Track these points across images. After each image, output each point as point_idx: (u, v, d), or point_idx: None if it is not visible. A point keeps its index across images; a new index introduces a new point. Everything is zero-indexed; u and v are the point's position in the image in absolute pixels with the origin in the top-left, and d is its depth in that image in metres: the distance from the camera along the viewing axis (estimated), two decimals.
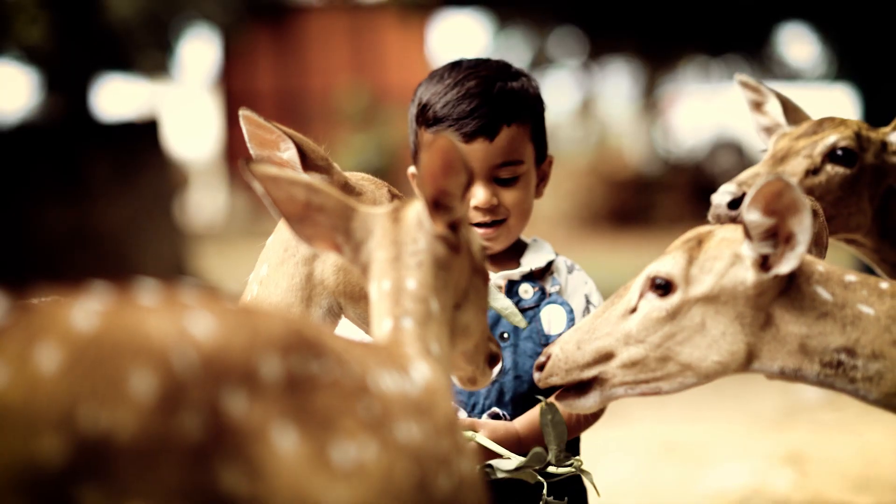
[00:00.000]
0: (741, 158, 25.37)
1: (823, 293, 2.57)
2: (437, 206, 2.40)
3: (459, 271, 2.43)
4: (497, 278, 3.30)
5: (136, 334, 1.69)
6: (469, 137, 3.23)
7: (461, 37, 31.07)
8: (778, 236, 2.53)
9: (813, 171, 3.41)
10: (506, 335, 3.25)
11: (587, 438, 3.48)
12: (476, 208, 3.25)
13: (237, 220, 25.14)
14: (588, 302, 3.32)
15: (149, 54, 26.37)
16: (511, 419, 3.18)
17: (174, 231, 13.43)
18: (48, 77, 23.27)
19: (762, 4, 22.29)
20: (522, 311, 3.25)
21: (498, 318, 3.23)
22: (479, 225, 3.27)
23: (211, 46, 29.37)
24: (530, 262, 3.33)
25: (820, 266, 2.60)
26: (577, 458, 3.00)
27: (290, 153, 2.96)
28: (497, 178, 3.26)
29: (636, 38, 22.57)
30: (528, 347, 3.23)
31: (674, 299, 2.59)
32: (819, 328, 2.55)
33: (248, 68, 29.28)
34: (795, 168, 3.38)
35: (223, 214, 26.58)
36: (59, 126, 14.76)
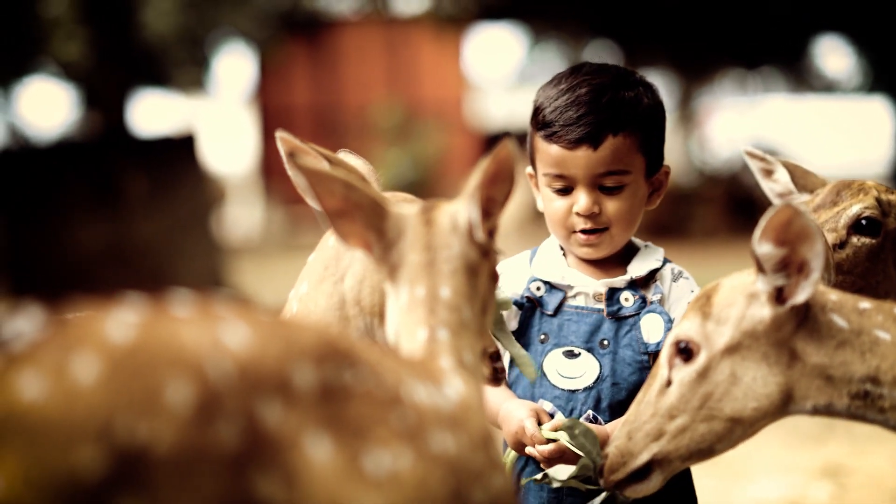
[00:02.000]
0: None
1: (840, 321, 2.54)
2: (483, 212, 2.41)
3: (484, 275, 2.45)
4: (599, 286, 3.30)
5: (171, 345, 1.70)
6: (573, 144, 3.23)
7: (496, 50, 31.12)
8: (790, 266, 2.51)
9: (839, 245, 3.35)
10: (605, 342, 3.25)
11: None
12: (577, 214, 3.25)
13: (273, 235, 25.24)
14: None
15: (185, 70, 26.52)
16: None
17: (211, 246, 13.48)
18: (86, 93, 23.42)
19: (798, 17, 22.26)
20: (623, 318, 3.26)
21: (598, 326, 3.26)
22: (582, 232, 3.28)
23: (246, 62, 29.53)
24: (635, 269, 3.32)
25: (833, 294, 2.58)
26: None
27: None
28: (602, 187, 3.26)
29: (671, 51, 22.55)
30: (628, 355, 3.23)
31: (700, 360, 2.57)
32: (840, 357, 2.52)
33: (283, 83, 29.41)
34: None
35: (259, 229, 26.68)
36: (96, 142, 14.87)
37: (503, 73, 31.43)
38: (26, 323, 1.68)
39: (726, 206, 22.73)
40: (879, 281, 3.38)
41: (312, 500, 1.75)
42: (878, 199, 3.40)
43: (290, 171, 2.65)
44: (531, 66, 28.68)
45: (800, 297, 2.50)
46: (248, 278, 15.41)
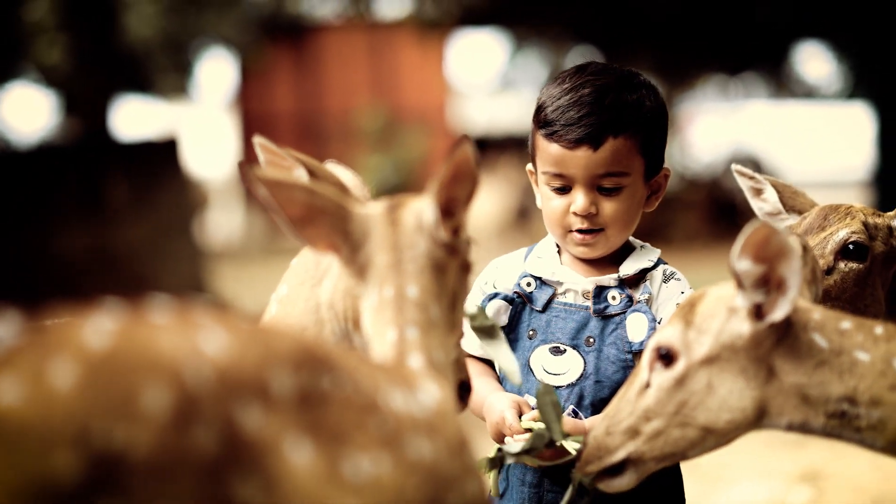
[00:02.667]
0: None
1: (820, 340, 2.54)
2: (445, 211, 2.43)
3: (452, 271, 2.46)
4: (587, 283, 3.32)
5: (148, 351, 1.71)
6: (573, 144, 3.24)
7: (479, 56, 31.12)
8: (770, 283, 2.53)
9: (827, 271, 3.35)
10: (591, 340, 3.27)
11: None
12: (575, 214, 3.27)
13: (255, 239, 25.21)
14: None
15: (167, 75, 26.48)
16: None
17: (193, 250, 13.46)
18: (67, 99, 23.37)
19: (780, 23, 22.29)
20: (609, 317, 3.29)
21: (585, 323, 3.28)
22: (578, 231, 3.30)
23: (228, 67, 29.48)
24: (625, 268, 3.34)
25: (816, 313, 2.58)
26: (578, 438, 3.04)
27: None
28: (600, 187, 3.27)
29: (653, 57, 22.58)
30: (612, 354, 3.24)
31: (678, 367, 2.58)
32: (818, 377, 2.52)
33: (265, 88, 29.37)
34: None
35: (241, 233, 26.64)
36: (78, 147, 14.81)
37: (486, 78, 31.44)
38: (4, 329, 1.68)
39: (708, 211, 22.76)
40: (868, 305, 3.37)
41: None
42: (864, 223, 3.40)
43: (251, 184, 2.66)
44: (513, 71, 28.69)
45: (778, 314, 2.51)
46: (229, 283, 15.39)
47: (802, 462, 7.17)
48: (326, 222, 2.42)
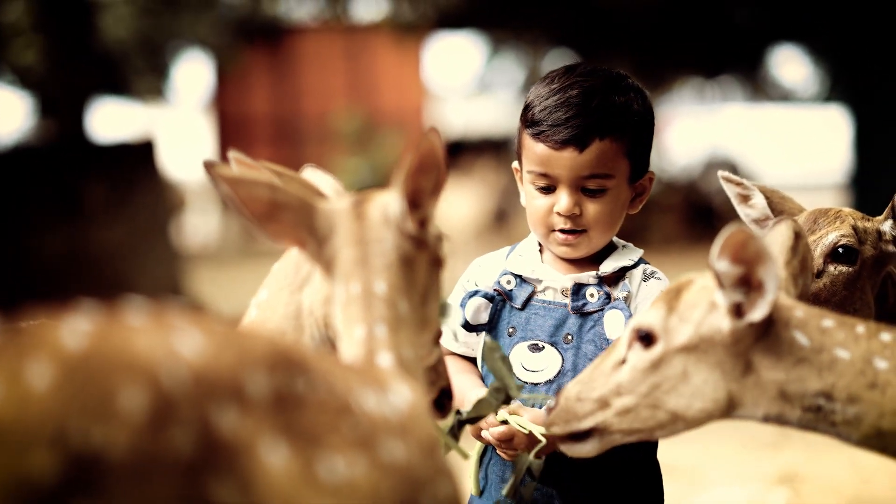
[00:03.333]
0: None
1: (801, 338, 2.55)
2: (412, 203, 2.43)
3: (421, 266, 2.45)
4: (565, 280, 3.33)
5: (124, 352, 1.71)
6: (559, 145, 3.25)
7: (455, 59, 31.15)
8: (750, 283, 2.54)
9: (816, 275, 3.35)
10: (570, 337, 3.28)
11: None
12: (558, 214, 3.28)
13: (231, 242, 25.15)
14: None
15: (143, 77, 26.41)
16: None
17: (170, 252, 13.44)
18: (42, 100, 23.29)
19: (756, 26, 22.37)
20: (587, 314, 3.30)
21: (564, 320, 3.30)
22: (561, 231, 3.31)
23: (205, 69, 29.43)
24: (604, 267, 3.36)
25: (798, 311, 2.59)
26: (545, 395, 3.07)
27: None
28: (584, 189, 3.28)
29: (630, 60, 22.63)
30: (590, 350, 3.26)
31: (656, 350, 2.59)
32: (796, 373, 2.54)
33: (241, 90, 29.32)
34: None
35: (217, 236, 26.59)
36: (54, 149, 14.77)
37: (462, 81, 31.47)
38: None
39: (684, 214, 22.82)
40: (857, 309, 3.37)
41: None
42: (854, 227, 3.41)
43: (212, 181, 2.65)
44: (490, 74, 28.73)
45: (756, 314, 2.52)
46: (206, 285, 15.36)
47: (780, 464, 7.19)
48: (290, 218, 2.41)
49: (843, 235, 3.38)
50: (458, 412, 3.03)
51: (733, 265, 2.51)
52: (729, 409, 2.57)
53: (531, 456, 3.05)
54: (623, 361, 2.64)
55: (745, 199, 3.59)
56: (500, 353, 2.97)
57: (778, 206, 3.56)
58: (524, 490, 3.08)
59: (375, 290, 2.37)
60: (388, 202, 2.45)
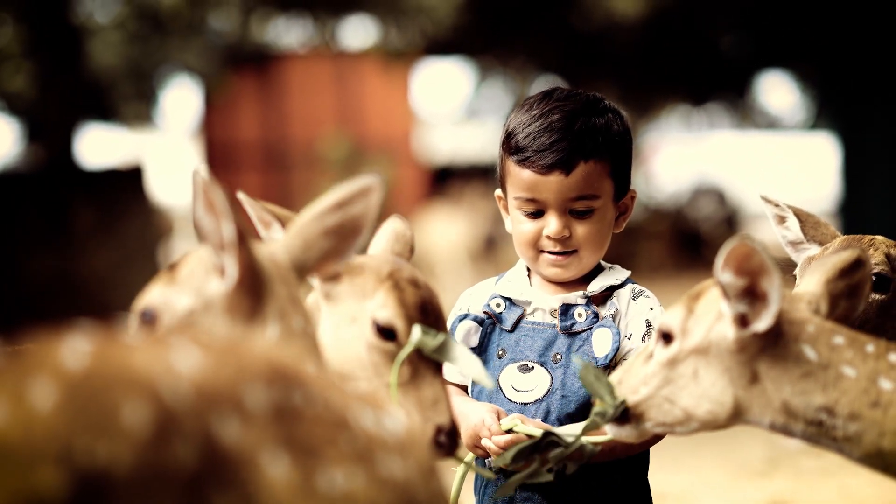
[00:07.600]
0: (722, 205, 25.49)
1: (809, 353, 2.59)
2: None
3: (278, 289, 2.56)
4: (554, 301, 3.36)
5: (125, 369, 1.72)
6: (546, 170, 3.28)
7: (443, 85, 31.20)
8: (755, 294, 2.57)
9: None
10: (559, 356, 3.31)
11: None
12: (548, 237, 3.31)
13: None
14: (649, 327, 3.34)
15: (131, 103, 26.41)
16: None
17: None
18: (31, 126, 23.28)
19: (743, 54, 22.46)
20: (576, 333, 3.33)
21: (553, 340, 3.33)
22: (550, 253, 3.33)
23: (193, 95, 29.44)
24: (592, 286, 3.38)
25: (811, 326, 2.62)
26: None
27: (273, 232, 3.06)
28: (572, 210, 3.31)
29: (618, 87, 22.71)
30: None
31: (672, 349, 2.67)
32: (801, 387, 2.58)
33: (230, 116, 29.32)
34: None
35: None
36: (42, 174, 14.78)
37: (450, 107, 31.54)
38: None
39: (672, 241, 22.86)
40: (891, 337, 3.37)
41: None
42: (887, 255, 3.42)
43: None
44: (478, 101, 28.80)
45: (760, 325, 2.58)
46: None
47: (770, 491, 7.19)
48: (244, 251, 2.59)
49: (876, 264, 3.38)
50: (553, 434, 2.99)
51: (737, 277, 2.57)
52: (736, 415, 2.64)
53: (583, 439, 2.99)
54: (650, 356, 2.73)
55: (782, 219, 3.60)
56: (595, 372, 2.87)
57: (811, 231, 3.56)
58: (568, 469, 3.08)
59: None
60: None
